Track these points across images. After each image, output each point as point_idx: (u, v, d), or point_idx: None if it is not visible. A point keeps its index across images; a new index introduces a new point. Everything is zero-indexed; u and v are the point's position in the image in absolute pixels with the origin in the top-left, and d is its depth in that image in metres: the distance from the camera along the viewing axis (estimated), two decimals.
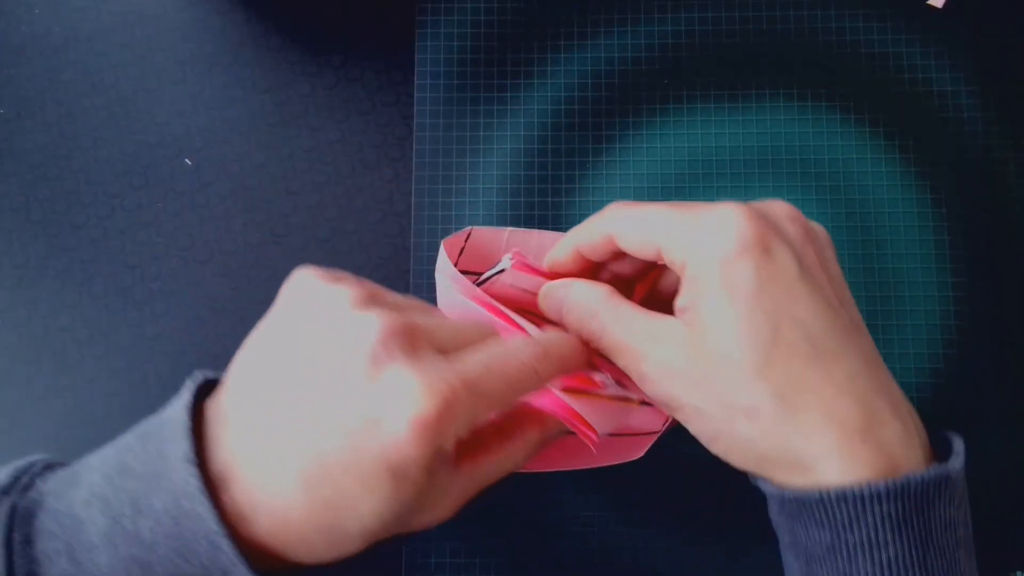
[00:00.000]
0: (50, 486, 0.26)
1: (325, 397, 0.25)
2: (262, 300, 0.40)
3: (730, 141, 0.41)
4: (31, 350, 0.40)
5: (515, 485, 0.38)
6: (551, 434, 0.31)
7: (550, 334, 0.30)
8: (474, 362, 0.26)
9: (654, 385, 0.28)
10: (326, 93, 0.42)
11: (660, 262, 0.29)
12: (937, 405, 0.39)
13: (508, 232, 0.36)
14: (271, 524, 0.25)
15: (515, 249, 0.35)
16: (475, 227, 0.35)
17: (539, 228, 0.40)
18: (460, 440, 0.26)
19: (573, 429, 0.32)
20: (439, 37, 0.42)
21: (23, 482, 0.27)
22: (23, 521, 0.25)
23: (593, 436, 0.31)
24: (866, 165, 0.41)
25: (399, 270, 0.41)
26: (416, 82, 0.42)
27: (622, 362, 0.29)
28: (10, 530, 0.25)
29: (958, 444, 0.27)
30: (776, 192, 0.41)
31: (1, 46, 0.42)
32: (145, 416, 0.40)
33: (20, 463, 0.28)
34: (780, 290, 0.26)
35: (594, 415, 0.31)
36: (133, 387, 0.40)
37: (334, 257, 0.41)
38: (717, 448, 0.28)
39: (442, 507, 0.28)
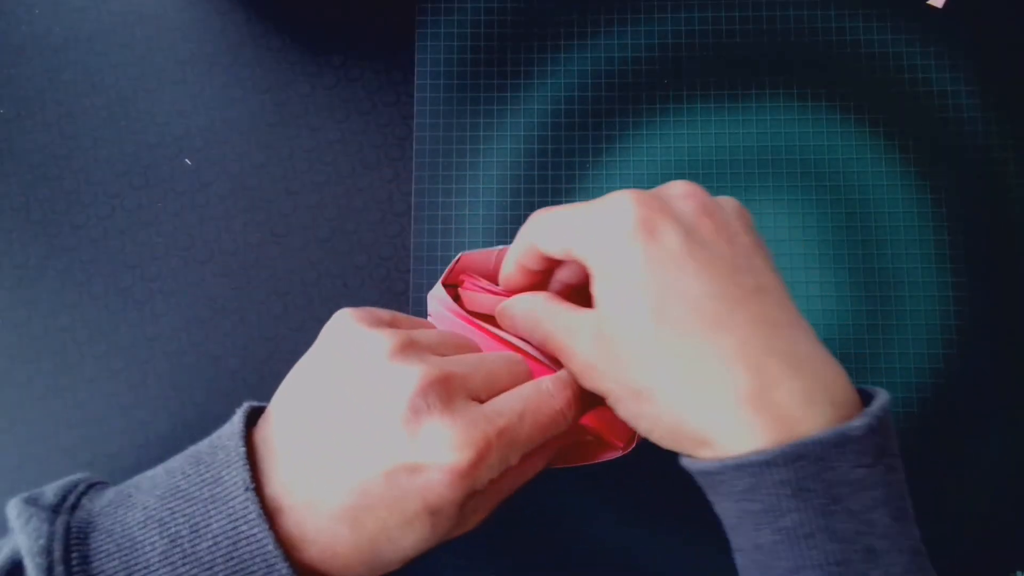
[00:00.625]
0: (99, 506, 0.27)
1: (369, 442, 0.27)
2: (262, 300, 0.41)
3: (730, 141, 0.41)
4: (31, 350, 0.40)
5: None
6: (567, 444, 0.32)
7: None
8: (509, 411, 0.28)
9: (583, 380, 0.29)
10: (326, 93, 0.42)
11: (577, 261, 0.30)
12: (937, 405, 0.39)
13: (498, 251, 0.35)
14: (319, 553, 0.27)
15: (465, 275, 0.35)
16: (464, 252, 0.35)
17: None
18: None
19: (600, 436, 0.32)
20: (439, 37, 0.42)
21: (70, 501, 0.28)
22: (78, 540, 0.26)
23: (619, 444, 0.32)
24: (866, 165, 0.41)
25: (399, 270, 0.41)
26: (416, 82, 0.42)
27: (564, 362, 0.30)
28: (68, 549, 0.26)
29: (879, 399, 0.26)
30: (776, 192, 0.41)
31: (1, 46, 0.42)
32: (145, 416, 0.40)
33: (63, 482, 0.29)
34: (665, 268, 0.26)
35: (616, 423, 0.32)
36: (133, 387, 0.40)
37: (334, 257, 0.41)
38: (640, 430, 0.28)
39: (471, 523, 0.30)
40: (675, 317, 0.26)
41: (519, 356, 0.31)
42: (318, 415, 0.28)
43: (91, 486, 0.29)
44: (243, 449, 0.27)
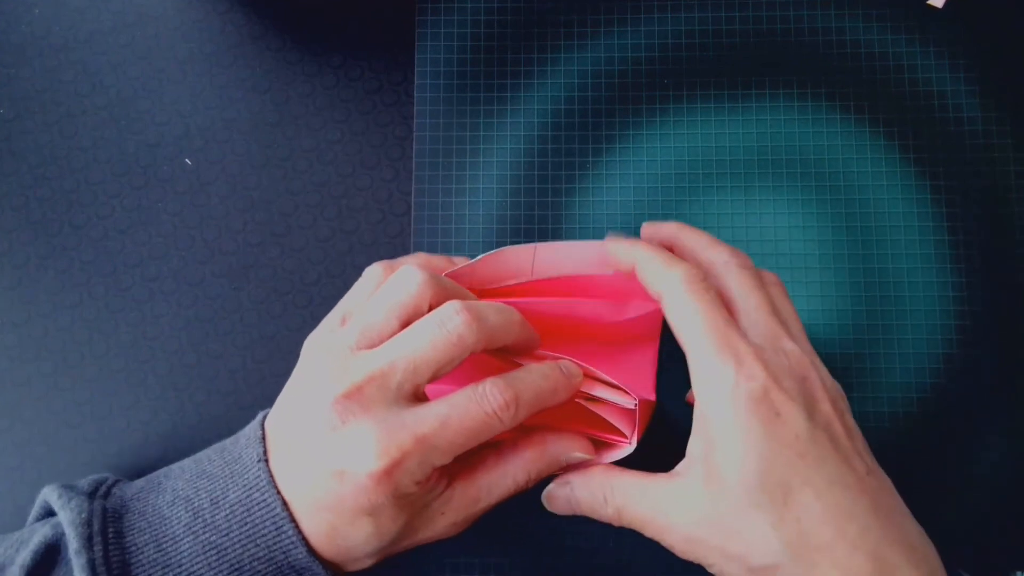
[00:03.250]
0: (131, 493, 0.31)
1: (312, 446, 0.29)
2: (262, 300, 0.41)
3: (730, 141, 0.41)
4: (31, 350, 0.40)
5: None
6: (554, 456, 0.32)
7: (528, 374, 0.31)
8: (433, 416, 0.29)
9: (683, 553, 0.30)
10: (326, 93, 0.42)
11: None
12: (937, 405, 0.39)
13: (536, 248, 0.34)
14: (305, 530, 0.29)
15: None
16: (488, 254, 0.34)
17: (538, 229, 0.41)
18: (447, 466, 0.30)
19: (603, 439, 0.32)
20: (439, 37, 0.42)
21: (102, 490, 0.31)
22: (114, 517, 0.29)
23: (625, 442, 0.32)
24: (866, 165, 0.41)
25: None
26: (416, 82, 0.42)
27: (648, 534, 0.30)
28: (105, 525, 0.29)
29: None
30: (776, 192, 0.41)
31: (1, 46, 0.42)
32: (145, 416, 0.40)
33: (93, 477, 0.33)
34: (791, 452, 0.27)
35: (621, 423, 0.32)
36: (133, 387, 0.40)
37: (334, 257, 0.41)
38: None
39: (443, 522, 0.31)
40: (801, 503, 0.27)
41: (454, 327, 0.30)
42: (288, 416, 0.31)
43: (117, 481, 0.32)
44: (260, 432, 0.31)
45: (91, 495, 0.30)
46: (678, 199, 0.41)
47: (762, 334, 0.30)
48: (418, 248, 0.41)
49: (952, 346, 0.39)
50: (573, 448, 0.32)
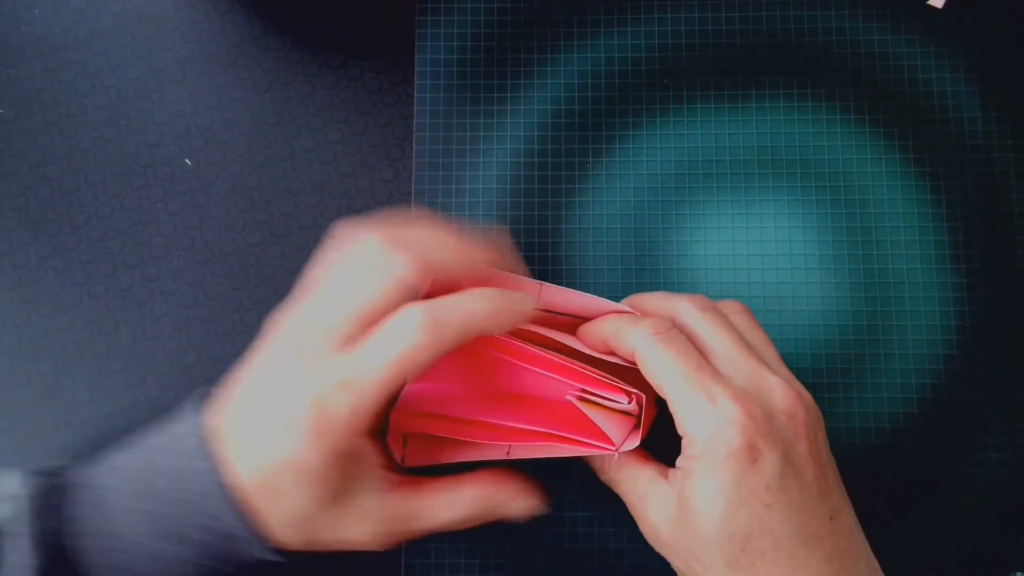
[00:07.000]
0: (76, 468, 0.32)
1: (265, 400, 0.30)
2: (262, 300, 0.40)
3: (730, 141, 0.41)
4: (31, 350, 0.40)
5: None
6: (499, 502, 0.33)
7: (459, 296, 0.30)
8: (357, 355, 0.29)
9: (653, 545, 0.32)
10: (326, 93, 0.42)
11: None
12: (937, 405, 0.39)
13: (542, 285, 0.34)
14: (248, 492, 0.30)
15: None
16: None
17: (538, 229, 0.41)
18: (392, 472, 0.31)
19: (588, 447, 0.32)
20: (439, 37, 0.42)
21: (51, 470, 0.32)
22: (58, 493, 0.30)
23: (612, 447, 0.32)
24: (866, 165, 0.41)
25: None
26: (416, 82, 0.42)
27: (631, 512, 0.33)
28: (49, 499, 0.30)
29: None
30: (776, 192, 0.41)
31: (1, 46, 0.42)
32: (144, 416, 0.40)
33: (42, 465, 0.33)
34: (758, 502, 0.29)
35: (611, 426, 0.32)
36: (133, 387, 0.40)
37: None
38: None
39: (371, 526, 0.31)
40: (758, 550, 0.29)
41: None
42: (245, 391, 0.32)
43: (66, 466, 0.33)
44: (199, 405, 0.32)
45: (37, 473, 0.31)
46: (678, 199, 0.41)
47: (744, 374, 0.31)
48: None
49: (952, 346, 0.39)
50: (521, 498, 0.33)
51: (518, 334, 0.34)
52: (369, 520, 0.31)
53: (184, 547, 0.30)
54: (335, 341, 0.30)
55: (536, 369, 0.33)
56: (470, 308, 0.30)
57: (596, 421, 0.31)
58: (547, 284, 0.34)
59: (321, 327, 0.30)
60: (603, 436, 0.32)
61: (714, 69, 0.42)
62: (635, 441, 0.32)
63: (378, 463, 0.31)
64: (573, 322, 0.35)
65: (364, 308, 0.30)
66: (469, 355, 0.35)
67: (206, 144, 0.42)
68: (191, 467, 0.30)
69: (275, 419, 0.29)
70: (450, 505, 0.32)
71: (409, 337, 0.29)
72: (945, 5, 0.42)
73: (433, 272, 0.31)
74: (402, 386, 0.31)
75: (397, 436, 0.34)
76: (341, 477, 0.30)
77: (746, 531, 0.29)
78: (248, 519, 0.30)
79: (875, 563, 0.31)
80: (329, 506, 0.30)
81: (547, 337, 0.34)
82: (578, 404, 0.32)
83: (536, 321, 0.34)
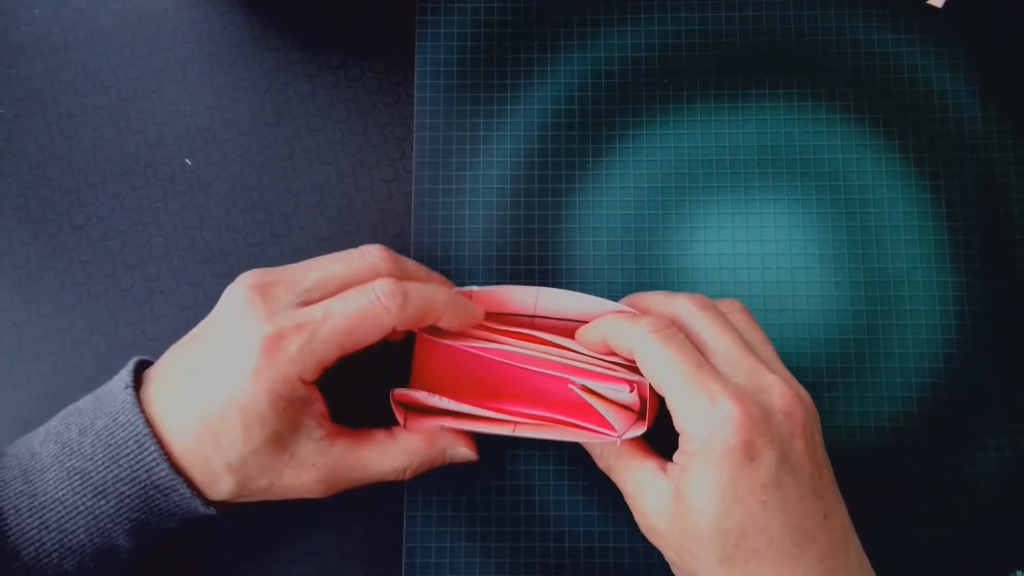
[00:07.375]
0: (14, 443, 0.32)
1: (212, 356, 0.31)
2: None
3: (730, 141, 0.41)
4: (31, 350, 0.40)
5: (515, 485, 0.38)
6: (440, 449, 0.34)
7: (427, 285, 0.33)
8: (318, 307, 0.31)
9: (646, 535, 0.33)
10: (326, 93, 0.42)
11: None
12: (937, 405, 0.39)
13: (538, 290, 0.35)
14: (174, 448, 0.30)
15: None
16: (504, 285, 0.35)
17: (538, 229, 0.41)
18: (333, 424, 0.32)
19: (588, 432, 0.32)
20: (439, 37, 0.42)
21: None
22: None
23: (612, 432, 0.32)
24: (866, 165, 0.41)
25: None
26: (416, 82, 0.42)
27: (626, 501, 0.33)
28: None
29: None
30: (776, 192, 0.41)
31: (1, 46, 0.42)
32: None
33: None
34: (754, 499, 0.29)
35: (613, 414, 0.32)
36: None
37: None
38: None
39: (311, 475, 0.31)
40: (751, 547, 0.29)
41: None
42: (182, 351, 0.33)
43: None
44: (131, 364, 0.32)
45: None
46: (678, 199, 0.41)
47: (742, 373, 0.31)
48: (418, 248, 0.41)
49: (952, 346, 0.39)
50: (459, 445, 0.34)
51: (519, 338, 0.34)
52: (309, 468, 0.31)
53: (111, 501, 0.30)
54: (300, 296, 0.31)
55: (538, 370, 0.34)
56: (432, 295, 0.32)
57: (599, 409, 0.32)
58: (544, 288, 0.34)
59: (289, 286, 0.31)
60: (606, 423, 0.32)
61: (714, 69, 0.42)
62: (640, 429, 0.32)
63: (321, 412, 0.32)
64: (572, 327, 0.35)
65: (335, 276, 0.32)
66: (470, 364, 0.35)
67: (206, 144, 0.42)
68: (123, 421, 0.30)
69: (221, 363, 0.30)
70: (390, 455, 0.33)
71: (372, 299, 0.30)
72: (945, 5, 0.42)
73: (419, 307, 0.32)
74: (357, 349, 0.31)
75: (399, 408, 0.35)
76: (282, 422, 0.30)
77: (741, 528, 0.29)
78: (182, 470, 0.30)
79: (867, 562, 0.31)
80: (269, 450, 0.30)
81: (546, 341, 0.34)
82: (581, 393, 0.32)
83: (535, 327, 0.35)
